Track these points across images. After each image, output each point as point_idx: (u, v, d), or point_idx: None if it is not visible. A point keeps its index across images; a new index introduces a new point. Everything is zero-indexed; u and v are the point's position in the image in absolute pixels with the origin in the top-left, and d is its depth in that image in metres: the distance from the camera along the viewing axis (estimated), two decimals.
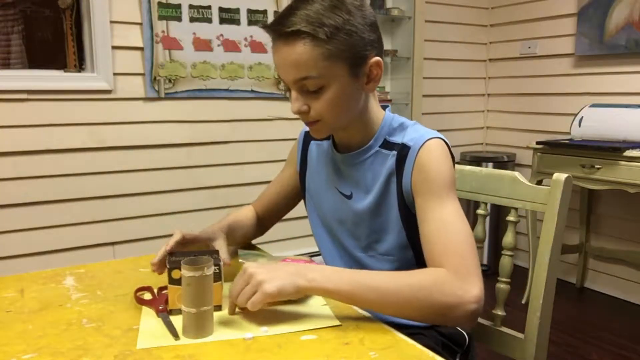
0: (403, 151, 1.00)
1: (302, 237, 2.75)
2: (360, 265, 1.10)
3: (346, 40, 0.93)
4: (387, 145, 1.03)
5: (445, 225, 0.93)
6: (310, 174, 1.19)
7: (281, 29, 0.92)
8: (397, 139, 1.03)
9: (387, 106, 1.10)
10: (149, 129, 2.40)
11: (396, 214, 1.03)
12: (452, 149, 1.03)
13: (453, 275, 0.88)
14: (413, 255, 1.06)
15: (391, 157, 1.02)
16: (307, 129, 1.20)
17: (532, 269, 2.66)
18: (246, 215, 1.27)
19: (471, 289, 0.87)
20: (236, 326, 0.87)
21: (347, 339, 0.82)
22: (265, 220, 1.30)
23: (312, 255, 3.03)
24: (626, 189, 2.40)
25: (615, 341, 2.43)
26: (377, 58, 0.98)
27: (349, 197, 1.08)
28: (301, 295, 0.90)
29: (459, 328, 1.13)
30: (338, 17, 0.92)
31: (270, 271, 0.85)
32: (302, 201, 1.26)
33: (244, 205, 1.31)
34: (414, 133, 1.01)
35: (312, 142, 1.19)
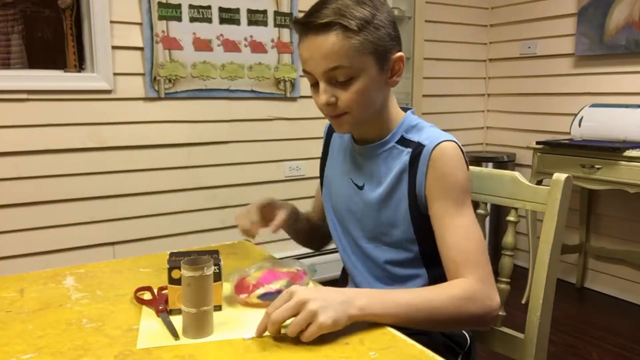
0: (418, 149, 1.02)
1: None
2: (365, 254, 1.12)
3: (374, 33, 0.97)
4: (404, 142, 1.06)
5: (466, 234, 0.97)
6: (329, 163, 1.22)
7: (314, 21, 0.95)
8: (413, 137, 1.05)
9: (410, 108, 1.12)
10: (149, 129, 2.40)
11: (405, 209, 1.05)
12: None
13: (480, 285, 0.94)
14: (419, 250, 1.07)
15: (406, 154, 1.04)
16: None
17: (532, 269, 2.66)
18: (307, 214, 1.31)
19: (495, 297, 0.95)
20: (236, 326, 0.87)
21: (347, 339, 0.82)
22: (325, 227, 1.25)
23: (313, 255, 3.02)
24: (626, 189, 2.40)
25: (615, 341, 2.43)
26: (400, 53, 1.03)
27: (361, 188, 1.10)
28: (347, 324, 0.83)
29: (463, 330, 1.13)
30: (367, 11, 0.96)
31: (322, 299, 0.81)
32: None
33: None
34: (429, 133, 1.04)
35: (335, 134, 1.22)
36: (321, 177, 1.25)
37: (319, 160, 1.27)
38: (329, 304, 0.81)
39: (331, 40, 0.95)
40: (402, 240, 1.07)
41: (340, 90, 0.99)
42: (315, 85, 1.02)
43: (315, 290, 0.85)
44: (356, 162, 1.13)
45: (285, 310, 0.80)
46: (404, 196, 1.04)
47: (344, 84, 0.98)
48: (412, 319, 0.88)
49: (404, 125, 1.08)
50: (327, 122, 1.26)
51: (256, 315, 0.91)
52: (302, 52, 1.00)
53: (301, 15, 2.61)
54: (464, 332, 1.13)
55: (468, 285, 0.93)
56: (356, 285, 1.16)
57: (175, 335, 0.83)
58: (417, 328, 0.90)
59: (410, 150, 1.04)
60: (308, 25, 0.97)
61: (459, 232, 0.97)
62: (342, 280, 1.25)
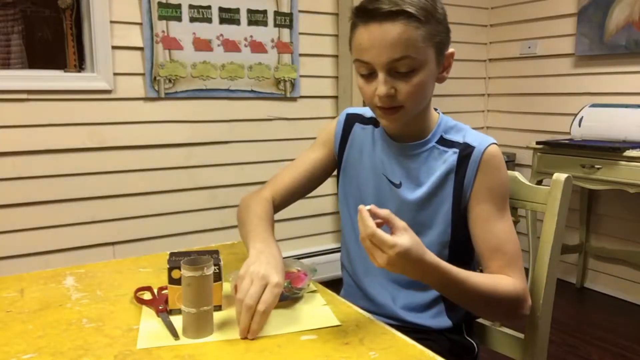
0: (466, 150, 1.02)
1: (305, 237, 2.76)
2: None
3: (437, 26, 0.96)
4: (444, 142, 1.06)
5: (509, 237, 1.01)
6: (350, 154, 1.16)
7: (380, 7, 0.92)
8: (454, 137, 1.05)
9: (437, 108, 1.12)
10: (149, 129, 2.40)
11: (447, 210, 1.04)
12: None
13: (524, 286, 1.00)
14: (448, 254, 1.06)
15: (452, 154, 1.04)
16: (351, 110, 1.19)
17: (532, 269, 2.65)
18: (271, 214, 1.14)
19: (529, 299, 1.02)
20: (236, 326, 0.87)
21: (347, 339, 0.82)
22: (280, 205, 1.19)
23: (313, 255, 3.01)
24: (626, 189, 2.40)
25: (615, 341, 2.43)
26: (453, 50, 1.02)
27: (398, 185, 1.08)
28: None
29: (467, 337, 1.12)
30: (429, 3, 0.95)
31: (403, 255, 0.80)
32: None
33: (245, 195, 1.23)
34: (474, 135, 1.05)
35: (357, 124, 1.17)
36: (338, 167, 1.19)
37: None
38: (399, 264, 0.82)
39: (398, 29, 0.92)
40: (434, 243, 1.05)
41: (400, 82, 0.96)
42: (367, 75, 0.98)
43: (407, 242, 0.81)
44: (392, 159, 1.09)
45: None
46: (448, 197, 1.04)
47: (404, 75, 0.95)
48: (453, 293, 0.93)
49: (442, 125, 1.07)
50: (334, 116, 1.23)
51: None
52: (361, 40, 0.96)
53: (303, 14, 2.58)
54: (470, 340, 1.13)
55: (516, 285, 0.98)
56: (364, 287, 1.14)
57: (175, 335, 0.83)
58: (454, 301, 0.95)
59: (456, 150, 1.03)
60: (373, 12, 0.93)
61: (503, 236, 1.00)
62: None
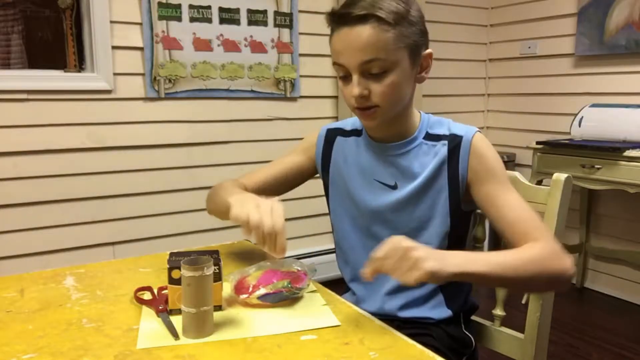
0: (455, 140, 1.06)
1: (306, 237, 2.76)
2: None
3: (409, 28, 0.99)
4: (431, 137, 1.08)
5: (522, 206, 1.01)
6: (336, 166, 1.18)
7: (351, 12, 0.96)
8: (440, 130, 1.08)
9: (420, 111, 1.14)
10: (149, 129, 2.40)
11: (445, 200, 1.06)
12: None
13: (554, 244, 0.96)
14: (447, 245, 1.08)
15: (441, 146, 1.06)
16: (330, 126, 1.22)
17: None
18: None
19: (568, 256, 0.95)
20: (236, 326, 0.87)
21: (347, 339, 0.83)
22: None
23: (312, 255, 3.01)
24: (626, 189, 2.40)
25: (615, 341, 2.43)
26: (430, 50, 1.06)
27: (393, 187, 1.09)
28: (444, 281, 0.85)
29: (465, 331, 1.13)
30: (401, 6, 0.98)
31: (427, 251, 0.84)
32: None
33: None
34: (458, 125, 1.09)
35: (339, 137, 1.19)
36: (325, 184, 1.20)
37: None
38: (433, 256, 0.83)
39: (368, 32, 0.95)
40: (434, 235, 1.07)
41: (374, 83, 0.99)
42: (345, 77, 1.02)
43: (416, 243, 0.84)
44: (381, 162, 1.10)
45: (389, 258, 0.83)
46: (444, 187, 1.06)
47: (377, 76, 0.99)
48: (501, 278, 0.90)
49: (425, 122, 1.10)
50: (321, 127, 1.24)
51: (256, 316, 0.91)
52: (336, 44, 1.00)
53: (303, 14, 2.58)
54: (468, 334, 1.13)
55: (545, 245, 0.95)
56: (360, 296, 1.15)
57: (175, 335, 0.83)
58: (502, 287, 0.93)
59: (445, 142, 1.06)
60: (344, 17, 0.97)
61: (517, 207, 1.00)
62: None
